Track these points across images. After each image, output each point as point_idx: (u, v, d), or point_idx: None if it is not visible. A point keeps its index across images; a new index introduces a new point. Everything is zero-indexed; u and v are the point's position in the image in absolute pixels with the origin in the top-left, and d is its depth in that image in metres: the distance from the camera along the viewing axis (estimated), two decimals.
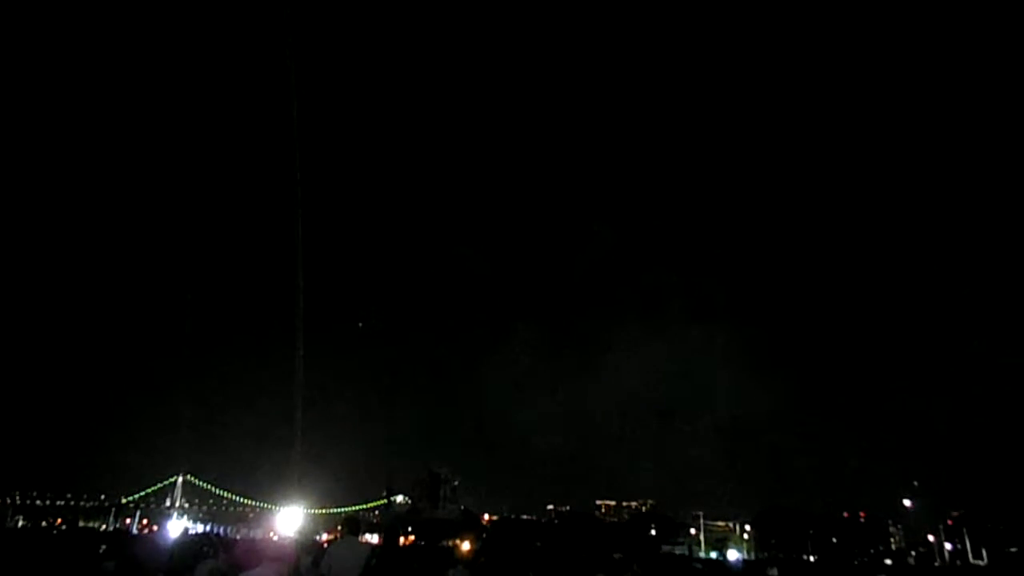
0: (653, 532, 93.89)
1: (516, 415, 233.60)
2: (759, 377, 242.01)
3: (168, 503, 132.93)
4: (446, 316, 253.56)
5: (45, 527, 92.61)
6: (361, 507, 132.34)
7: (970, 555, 77.32)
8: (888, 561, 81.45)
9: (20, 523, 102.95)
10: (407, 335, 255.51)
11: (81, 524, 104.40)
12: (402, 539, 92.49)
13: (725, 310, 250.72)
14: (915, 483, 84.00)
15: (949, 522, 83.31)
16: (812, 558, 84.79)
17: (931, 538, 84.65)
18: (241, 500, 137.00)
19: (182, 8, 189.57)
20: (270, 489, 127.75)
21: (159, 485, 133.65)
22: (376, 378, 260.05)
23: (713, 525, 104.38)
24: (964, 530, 79.92)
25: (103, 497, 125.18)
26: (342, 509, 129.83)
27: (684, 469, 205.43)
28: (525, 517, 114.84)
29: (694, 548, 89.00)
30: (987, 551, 75.96)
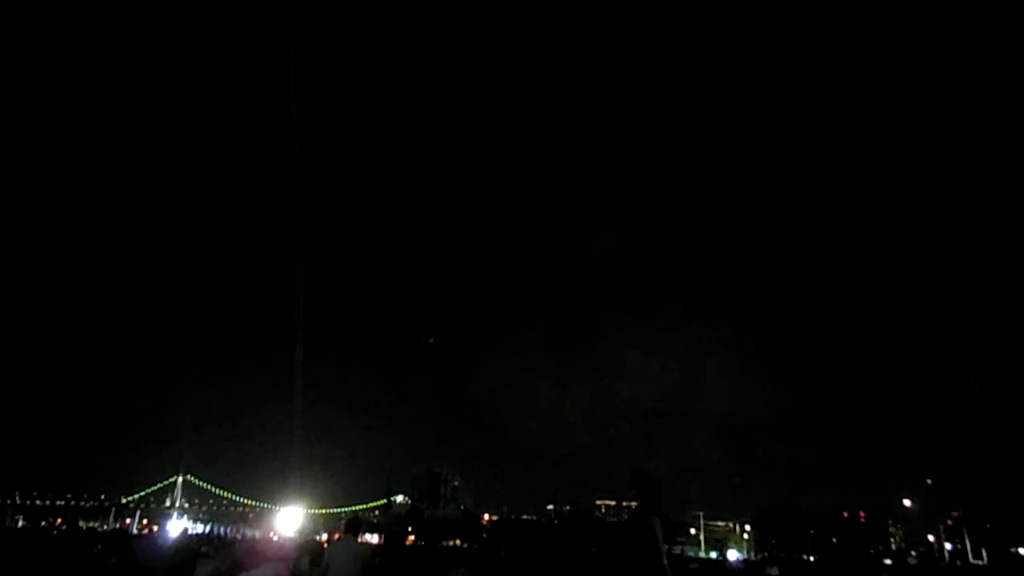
0: None
1: (516, 415, 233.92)
2: (760, 377, 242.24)
3: (168, 503, 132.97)
4: (446, 316, 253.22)
5: (45, 527, 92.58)
6: (361, 507, 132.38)
7: (970, 555, 77.30)
8: (888, 561, 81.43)
9: (20, 523, 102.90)
10: (407, 335, 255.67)
11: (81, 524, 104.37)
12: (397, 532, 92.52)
13: (726, 311, 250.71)
14: (928, 481, 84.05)
15: (949, 522, 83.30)
16: (812, 558, 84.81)
17: (931, 538, 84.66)
18: (241, 500, 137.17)
19: (182, 8, 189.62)
20: (270, 489, 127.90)
21: (159, 485, 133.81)
22: (376, 378, 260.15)
23: (713, 525, 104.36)
24: (964, 530, 79.91)
25: (103, 497, 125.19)
26: (342, 509, 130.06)
27: (684, 469, 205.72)
28: (525, 517, 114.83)
29: (691, 550, 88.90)
30: (987, 551, 75.95)
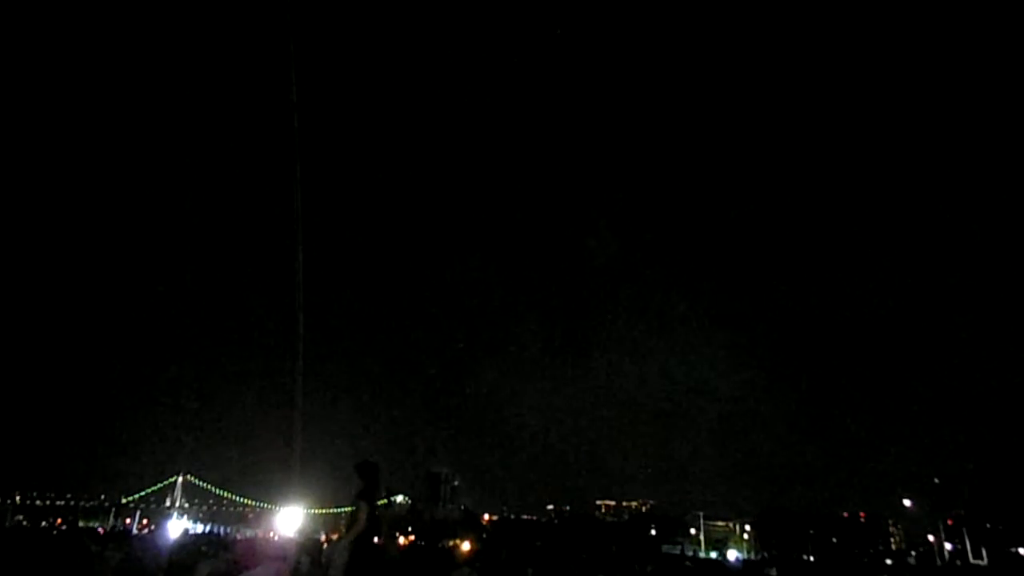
0: (653, 532, 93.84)
1: (516, 415, 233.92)
2: (760, 378, 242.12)
3: (168, 503, 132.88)
4: (447, 316, 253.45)
5: (45, 527, 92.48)
6: None
7: (970, 555, 77.17)
8: (888, 561, 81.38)
9: (20, 523, 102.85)
10: (407, 335, 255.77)
11: (81, 524, 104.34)
12: (401, 539, 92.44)
13: (727, 311, 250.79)
14: (936, 480, 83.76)
15: (949, 522, 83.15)
16: (811, 558, 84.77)
17: (931, 538, 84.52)
18: (241, 500, 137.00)
19: (182, 7, 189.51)
20: (270, 489, 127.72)
21: (159, 485, 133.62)
22: (377, 378, 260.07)
23: (713, 525, 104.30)
24: (964, 530, 79.79)
25: (103, 497, 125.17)
26: (342, 509, 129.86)
27: (684, 469, 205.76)
28: (525, 517, 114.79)
29: (691, 548, 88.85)
30: (987, 551, 75.83)
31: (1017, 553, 73.44)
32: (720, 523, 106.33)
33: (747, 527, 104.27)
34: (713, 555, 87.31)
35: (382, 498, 5.41)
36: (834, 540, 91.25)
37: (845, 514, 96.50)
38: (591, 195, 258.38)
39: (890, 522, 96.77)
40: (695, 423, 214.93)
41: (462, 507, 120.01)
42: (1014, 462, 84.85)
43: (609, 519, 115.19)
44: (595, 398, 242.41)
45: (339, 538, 10.69)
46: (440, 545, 73.35)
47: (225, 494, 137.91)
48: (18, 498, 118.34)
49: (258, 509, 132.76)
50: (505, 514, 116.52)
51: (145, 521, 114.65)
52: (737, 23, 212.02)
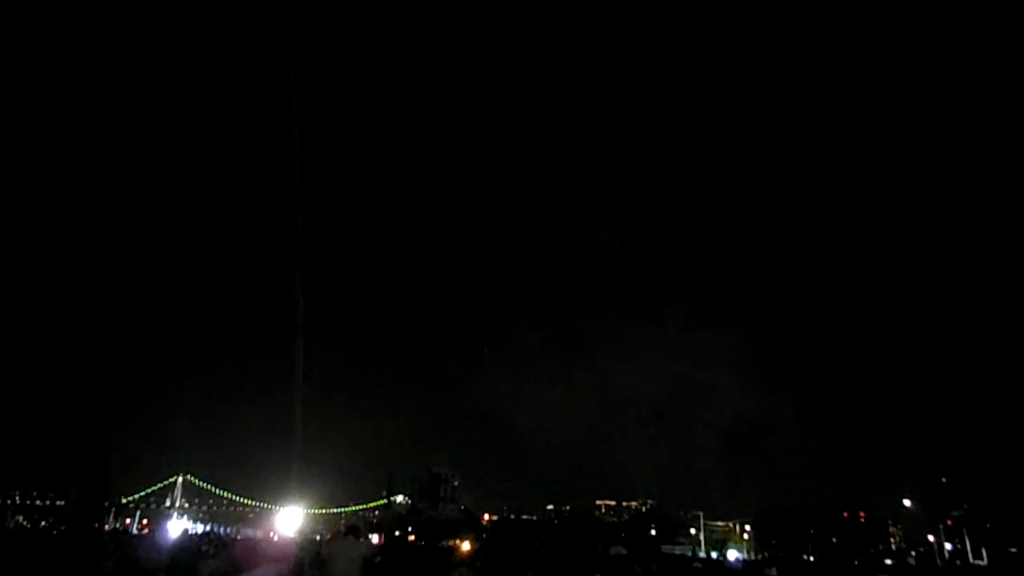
0: (653, 532, 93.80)
1: (516, 415, 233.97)
2: (760, 378, 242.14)
3: (168, 503, 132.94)
4: (447, 316, 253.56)
5: (45, 527, 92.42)
6: (361, 507, 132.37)
7: (970, 555, 77.21)
8: (888, 561, 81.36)
9: (21, 523, 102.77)
10: (408, 335, 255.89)
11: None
12: (397, 532, 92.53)
13: (727, 312, 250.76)
14: (943, 479, 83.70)
15: (949, 522, 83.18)
16: (812, 558, 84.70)
17: (931, 538, 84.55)
18: (241, 500, 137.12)
19: (181, 6, 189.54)
20: (270, 489, 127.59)
21: (159, 485, 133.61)
22: (377, 378, 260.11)
23: (713, 525, 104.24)
24: (964, 530, 79.82)
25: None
26: (342, 509, 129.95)
27: (684, 469, 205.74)
28: (525, 517, 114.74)
29: (695, 548, 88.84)
30: (987, 551, 75.85)
31: (1017, 553, 73.44)
32: (720, 523, 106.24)
33: (747, 527, 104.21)
34: (713, 555, 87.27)
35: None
36: (834, 540, 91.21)
37: (845, 514, 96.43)
38: (592, 196, 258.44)
39: (890, 522, 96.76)
40: (695, 423, 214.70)
41: (462, 507, 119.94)
42: (1014, 462, 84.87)
43: (609, 519, 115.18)
44: (595, 398, 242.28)
45: (331, 537, 10.71)
46: (440, 545, 73.33)
47: (225, 494, 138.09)
48: (18, 498, 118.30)
49: (258, 509, 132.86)
50: (505, 514, 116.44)
51: (145, 521, 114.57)
52: (736, 23, 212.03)
